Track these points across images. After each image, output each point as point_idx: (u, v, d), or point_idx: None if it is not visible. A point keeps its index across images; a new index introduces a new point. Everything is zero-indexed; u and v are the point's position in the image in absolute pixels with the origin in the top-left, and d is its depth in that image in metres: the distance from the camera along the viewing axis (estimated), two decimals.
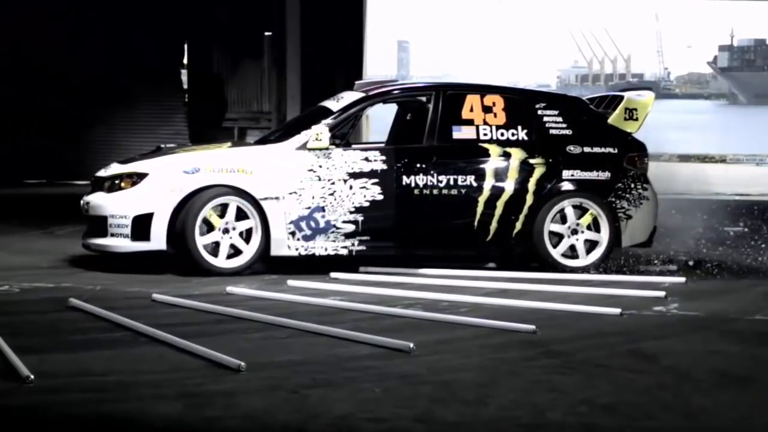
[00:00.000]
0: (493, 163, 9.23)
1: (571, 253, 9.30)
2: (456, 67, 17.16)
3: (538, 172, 9.28)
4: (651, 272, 9.36)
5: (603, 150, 9.42)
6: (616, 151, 9.44)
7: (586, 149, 9.39)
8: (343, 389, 5.43)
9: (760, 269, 9.58)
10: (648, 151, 9.64)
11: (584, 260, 9.29)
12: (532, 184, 9.25)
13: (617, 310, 7.46)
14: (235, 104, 19.78)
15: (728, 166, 16.47)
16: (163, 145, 9.98)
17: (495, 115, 9.36)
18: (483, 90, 9.55)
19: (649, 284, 8.71)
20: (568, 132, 9.43)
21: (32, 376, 5.44)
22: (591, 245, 9.33)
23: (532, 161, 9.28)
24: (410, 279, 8.75)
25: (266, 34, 19.23)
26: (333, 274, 8.77)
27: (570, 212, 9.30)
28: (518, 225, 9.23)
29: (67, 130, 18.37)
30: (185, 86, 19.85)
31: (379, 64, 16.68)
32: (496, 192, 9.20)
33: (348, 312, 7.48)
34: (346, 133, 9.35)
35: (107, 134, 18.67)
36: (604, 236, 9.31)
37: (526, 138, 9.35)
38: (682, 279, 8.95)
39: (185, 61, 19.83)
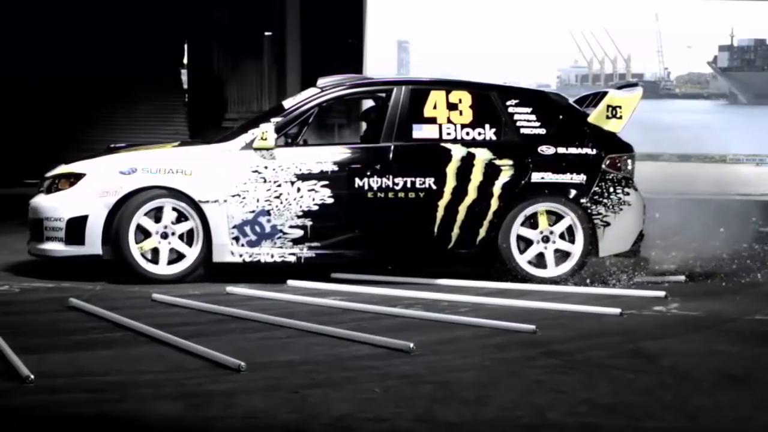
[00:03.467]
0: (454, 164, 8.60)
1: (539, 261, 8.66)
2: (456, 67, 17.15)
3: (505, 174, 8.63)
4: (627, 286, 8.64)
5: (579, 151, 8.76)
6: (594, 152, 8.77)
7: (561, 150, 8.73)
8: (343, 389, 5.43)
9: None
10: (634, 152, 8.99)
11: (553, 270, 8.64)
12: (497, 188, 8.61)
13: (617, 310, 7.46)
14: (235, 104, 19.77)
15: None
16: (112, 145, 9.50)
17: (461, 113, 8.75)
18: (449, 86, 8.91)
19: (649, 284, 8.72)
20: (541, 131, 8.79)
21: (32, 376, 5.44)
22: (564, 255, 8.68)
23: (498, 163, 8.64)
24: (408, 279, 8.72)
25: (266, 34, 19.23)
26: (333, 275, 8.72)
27: (543, 217, 8.67)
28: (482, 231, 8.62)
29: (67, 130, 18.37)
30: (185, 86, 19.85)
31: (379, 64, 16.67)
32: (458, 196, 8.59)
33: (348, 312, 7.48)
34: (299, 133, 9.03)
35: (107, 134, 18.64)
36: (577, 245, 8.65)
37: (494, 137, 8.73)
38: (682, 278, 8.95)
39: (185, 61, 19.83)
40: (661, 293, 8.15)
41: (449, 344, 6.50)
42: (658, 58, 18.97)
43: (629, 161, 8.92)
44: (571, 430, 4.85)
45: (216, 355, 5.93)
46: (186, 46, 19.68)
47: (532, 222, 8.68)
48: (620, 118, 8.91)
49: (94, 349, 6.24)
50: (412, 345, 6.22)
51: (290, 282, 8.45)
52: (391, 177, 8.55)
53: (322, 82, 9.02)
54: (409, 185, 8.57)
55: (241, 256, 8.47)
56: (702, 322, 7.31)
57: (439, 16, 17.78)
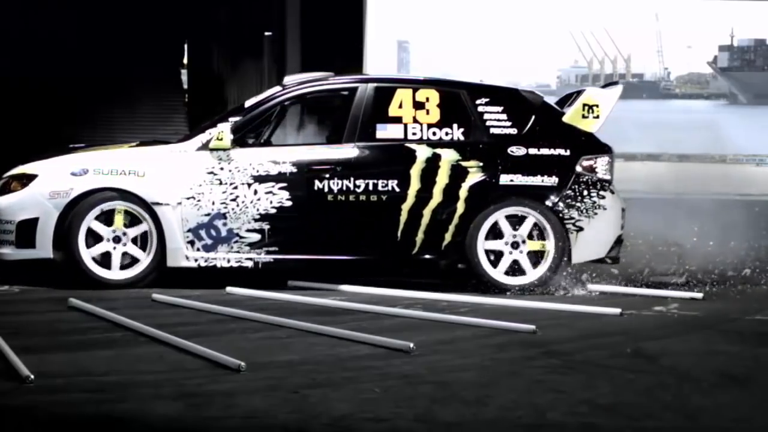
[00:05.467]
0: (419, 165, 8.28)
1: (515, 269, 8.31)
2: (456, 67, 17.15)
3: (472, 176, 8.29)
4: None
5: (552, 152, 8.39)
6: (568, 153, 8.40)
7: (532, 151, 8.37)
8: (343, 389, 5.43)
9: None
10: (612, 153, 8.60)
11: (529, 276, 8.29)
12: (463, 191, 8.26)
13: (617, 310, 7.46)
14: (235, 104, 19.65)
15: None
16: (71, 145, 9.19)
17: (427, 112, 8.42)
18: (416, 84, 8.57)
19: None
20: (512, 131, 8.43)
21: (32, 376, 5.44)
22: (538, 258, 8.33)
23: (465, 164, 8.31)
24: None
25: (266, 34, 19.23)
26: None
27: (504, 224, 8.30)
28: (447, 236, 8.27)
29: (67, 130, 18.36)
30: (185, 86, 19.84)
31: (379, 64, 16.67)
32: (422, 199, 8.25)
33: (348, 312, 7.48)
34: (261, 133, 8.72)
35: (107, 134, 18.63)
36: (549, 251, 8.29)
37: (462, 138, 8.39)
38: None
39: (185, 61, 19.83)
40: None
41: (449, 344, 6.50)
42: (658, 58, 18.97)
43: (606, 163, 8.53)
44: (571, 430, 4.85)
45: (216, 355, 5.93)
46: (186, 46, 19.67)
47: (497, 231, 8.32)
48: (597, 117, 8.52)
49: (94, 349, 6.24)
50: (412, 345, 6.22)
51: (290, 282, 8.44)
52: (352, 179, 8.26)
53: (288, 79, 8.83)
54: (371, 188, 8.27)
55: (196, 260, 8.24)
56: (702, 322, 7.32)
57: (439, 16, 17.79)
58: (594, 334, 6.82)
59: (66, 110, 18.51)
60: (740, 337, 6.83)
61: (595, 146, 8.55)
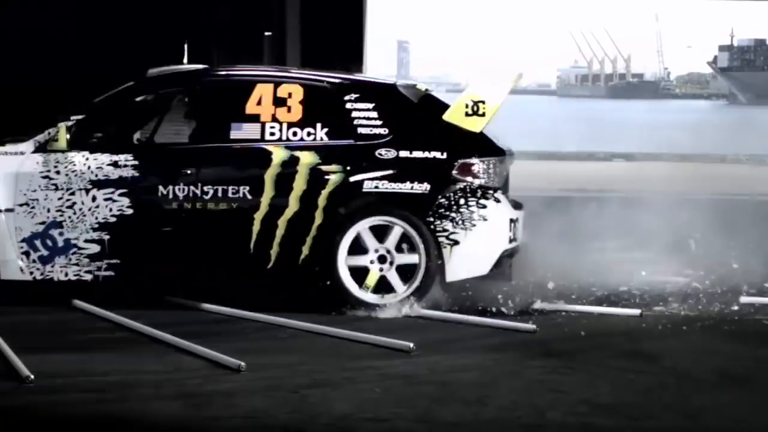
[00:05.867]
0: (274, 170, 7.38)
1: (383, 286, 7.37)
2: (456, 67, 17.15)
3: (333, 182, 7.36)
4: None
5: (426, 155, 7.41)
6: (444, 156, 7.41)
7: (403, 153, 7.40)
8: (343, 389, 5.43)
9: None
10: (504, 156, 7.65)
11: (398, 295, 7.32)
12: (322, 198, 7.34)
13: (618, 310, 7.45)
14: None
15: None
16: None
17: (289, 110, 7.50)
18: (278, 78, 7.70)
19: None
20: (382, 131, 7.46)
21: (32, 376, 5.44)
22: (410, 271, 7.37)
23: (325, 168, 7.37)
24: None
25: (266, 34, 19.23)
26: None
27: (368, 236, 7.35)
28: (305, 250, 7.34)
29: None
30: None
31: (379, 64, 16.67)
32: (278, 207, 7.34)
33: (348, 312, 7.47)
34: (110, 133, 7.77)
35: None
36: (419, 266, 7.31)
37: (326, 138, 7.47)
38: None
39: (185, 61, 19.83)
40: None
41: (449, 344, 6.50)
42: (658, 58, 18.98)
43: (493, 167, 7.51)
44: (571, 430, 4.85)
45: (216, 355, 5.93)
46: (186, 46, 19.68)
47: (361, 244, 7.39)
48: (483, 115, 7.47)
49: (94, 349, 6.24)
50: (411, 345, 6.21)
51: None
52: (200, 185, 7.38)
53: (151, 72, 8.04)
54: (220, 194, 7.38)
55: (32, 273, 7.43)
56: (702, 322, 7.31)
57: (439, 16, 17.79)
58: (594, 334, 6.81)
59: (65, 110, 18.52)
60: (740, 337, 6.83)
61: (480, 148, 7.52)
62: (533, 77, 18.08)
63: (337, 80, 7.72)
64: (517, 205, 7.83)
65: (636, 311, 7.47)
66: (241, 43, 19.43)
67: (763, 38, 19.38)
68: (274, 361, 5.98)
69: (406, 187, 7.37)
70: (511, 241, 7.59)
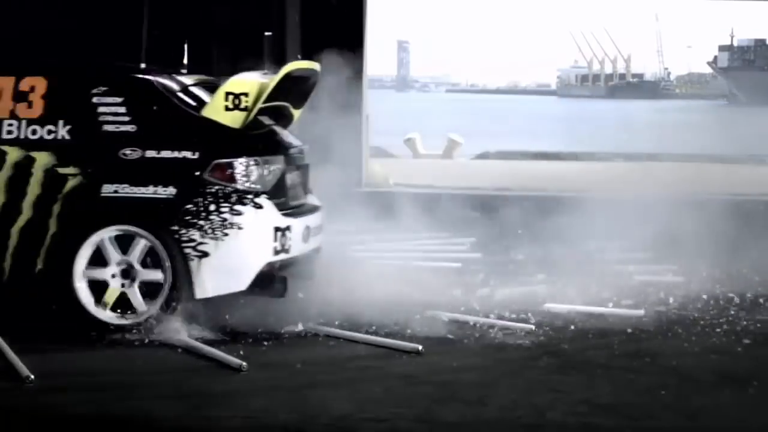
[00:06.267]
0: (6, 172, 6.65)
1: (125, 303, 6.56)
2: (456, 67, 17.17)
3: (70, 186, 6.59)
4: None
5: (174, 154, 6.59)
6: (196, 156, 6.58)
7: (150, 153, 6.59)
8: (343, 389, 5.43)
9: None
10: (277, 156, 6.89)
11: (140, 315, 6.49)
12: (57, 205, 6.59)
13: (619, 311, 7.44)
14: None
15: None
16: None
17: (30, 105, 6.75)
18: (20, 70, 6.91)
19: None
20: (130, 128, 6.66)
21: (32, 376, 5.45)
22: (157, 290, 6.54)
23: (62, 171, 6.60)
24: None
25: (266, 34, 19.23)
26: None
27: (109, 247, 6.55)
28: (39, 262, 6.59)
29: None
30: None
31: (379, 64, 16.68)
32: (10, 215, 6.62)
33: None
34: None
35: None
36: (166, 282, 6.49)
37: (67, 137, 6.69)
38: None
39: (185, 61, 19.83)
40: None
41: (449, 344, 6.50)
42: (658, 58, 19.01)
43: (257, 168, 6.71)
44: (571, 430, 4.85)
45: (216, 355, 5.93)
46: (186, 46, 19.67)
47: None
48: (245, 109, 6.70)
49: (94, 349, 6.24)
50: (420, 348, 6.18)
51: None
52: None
53: None
54: None
55: None
56: (701, 322, 7.30)
57: (439, 16, 17.79)
58: (594, 334, 6.81)
59: None
60: (740, 337, 6.82)
61: (243, 147, 6.72)
62: (533, 77, 18.09)
63: (84, 72, 7.06)
64: (301, 211, 7.06)
65: (639, 312, 7.46)
66: (241, 43, 19.46)
67: (763, 38, 19.41)
68: (274, 361, 5.98)
69: (149, 191, 6.55)
70: (278, 252, 6.67)
